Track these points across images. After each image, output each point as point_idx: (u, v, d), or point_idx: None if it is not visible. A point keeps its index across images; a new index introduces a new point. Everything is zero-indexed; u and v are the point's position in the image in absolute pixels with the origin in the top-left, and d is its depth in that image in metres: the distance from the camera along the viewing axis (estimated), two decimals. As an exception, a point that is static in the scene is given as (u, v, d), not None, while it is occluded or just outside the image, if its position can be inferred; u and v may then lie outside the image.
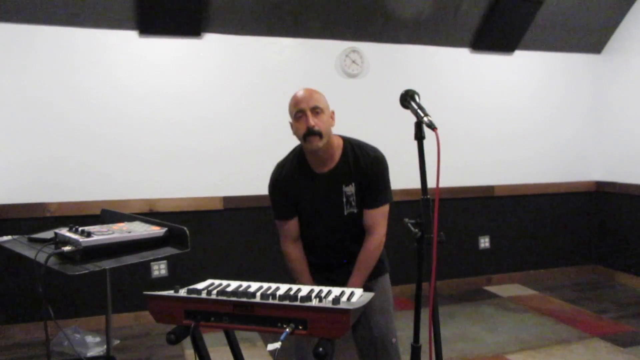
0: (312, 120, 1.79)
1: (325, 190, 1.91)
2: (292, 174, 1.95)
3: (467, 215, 4.51)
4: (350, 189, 1.89)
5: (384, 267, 2.06)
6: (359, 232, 1.96)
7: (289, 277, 2.03)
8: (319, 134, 1.79)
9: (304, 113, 1.81)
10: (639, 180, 4.44)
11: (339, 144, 1.92)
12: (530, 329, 3.52)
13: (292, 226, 1.98)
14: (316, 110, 1.81)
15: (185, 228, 1.71)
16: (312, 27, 3.94)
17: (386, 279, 2.07)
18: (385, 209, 1.94)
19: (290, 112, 1.88)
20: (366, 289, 1.89)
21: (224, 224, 3.87)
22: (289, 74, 3.95)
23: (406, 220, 1.32)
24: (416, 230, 1.27)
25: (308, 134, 1.79)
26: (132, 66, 3.62)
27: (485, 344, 3.28)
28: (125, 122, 3.62)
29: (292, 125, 1.90)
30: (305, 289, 1.29)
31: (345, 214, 1.91)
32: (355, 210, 1.92)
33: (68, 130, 3.51)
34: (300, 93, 1.86)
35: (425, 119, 1.33)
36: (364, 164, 1.90)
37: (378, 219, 1.93)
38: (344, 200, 1.89)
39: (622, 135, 4.61)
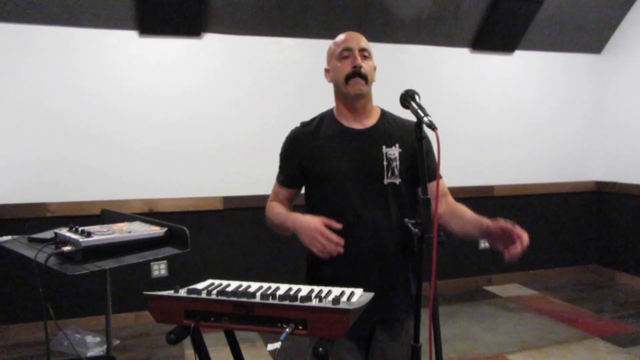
0: (360, 61, 1.56)
1: (362, 151, 1.58)
2: (319, 129, 1.64)
3: (467, 215, 4.51)
4: (393, 152, 1.57)
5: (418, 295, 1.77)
6: (398, 221, 1.55)
7: (272, 226, 1.68)
8: (365, 78, 1.55)
9: (352, 52, 1.57)
10: (639, 180, 4.44)
11: (376, 107, 1.69)
12: (530, 329, 3.52)
13: (286, 195, 1.71)
14: (364, 54, 1.59)
15: (185, 228, 1.71)
16: (312, 27, 3.93)
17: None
18: (443, 181, 1.62)
19: (332, 53, 1.63)
20: (394, 328, 1.62)
21: (224, 224, 3.87)
22: (289, 74, 3.95)
23: (406, 220, 1.31)
24: (416, 230, 1.27)
25: (353, 75, 1.55)
26: (132, 66, 3.62)
27: (485, 344, 3.28)
28: (125, 122, 3.62)
29: (328, 72, 1.66)
30: (305, 289, 1.29)
31: (386, 183, 1.56)
32: (397, 182, 1.56)
33: (68, 130, 3.51)
34: (348, 33, 1.63)
35: (425, 119, 1.31)
36: (410, 128, 1.57)
37: (444, 188, 1.65)
38: (385, 164, 1.55)
39: (622, 135, 4.61)
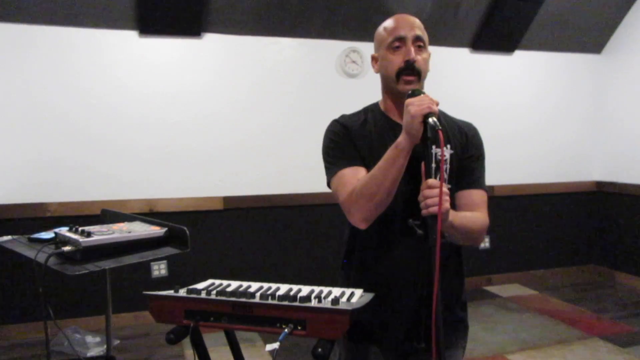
0: (415, 53, 1.35)
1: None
2: (366, 123, 1.44)
3: (467, 215, 4.51)
4: (444, 153, 1.37)
5: (466, 324, 1.53)
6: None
7: (370, 197, 1.30)
8: (418, 74, 1.36)
9: (404, 42, 1.36)
10: (639, 180, 4.44)
11: None
12: (530, 329, 3.52)
13: (362, 173, 1.37)
14: (419, 43, 1.38)
15: (185, 228, 1.71)
16: (312, 27, 3.93)
17: (464, 344, 1.52)
18: (485, 195, 1.47)
19: (381, 40, 1.41)
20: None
21: (224, 224, 3.87)
22: (289, 74, 3.95)
23: (410, 220, 1.30)
24: (420, 231, 1.26)
25: (405, 69, 1.34)
26: (132, 66, 3.62)
27: (485, 344, 3.28)
28: (125, 122, 3.62)
29: (375, 60, 1.45)
30: (305, 290, 1.29)
31: None
32: (446, 187, 1.27)
33: (68, 130, 3.51)
34: (399, 16, 1.40)
35: (430, 120, 1.26)
36: (466, 129, 1.51)
37: (479, 200, 1.44)
38: (433, 166, 1.29)
39: (622, 135, 4.61)
